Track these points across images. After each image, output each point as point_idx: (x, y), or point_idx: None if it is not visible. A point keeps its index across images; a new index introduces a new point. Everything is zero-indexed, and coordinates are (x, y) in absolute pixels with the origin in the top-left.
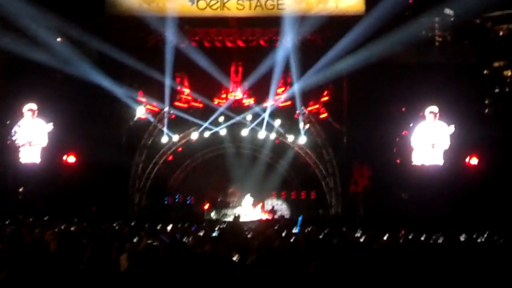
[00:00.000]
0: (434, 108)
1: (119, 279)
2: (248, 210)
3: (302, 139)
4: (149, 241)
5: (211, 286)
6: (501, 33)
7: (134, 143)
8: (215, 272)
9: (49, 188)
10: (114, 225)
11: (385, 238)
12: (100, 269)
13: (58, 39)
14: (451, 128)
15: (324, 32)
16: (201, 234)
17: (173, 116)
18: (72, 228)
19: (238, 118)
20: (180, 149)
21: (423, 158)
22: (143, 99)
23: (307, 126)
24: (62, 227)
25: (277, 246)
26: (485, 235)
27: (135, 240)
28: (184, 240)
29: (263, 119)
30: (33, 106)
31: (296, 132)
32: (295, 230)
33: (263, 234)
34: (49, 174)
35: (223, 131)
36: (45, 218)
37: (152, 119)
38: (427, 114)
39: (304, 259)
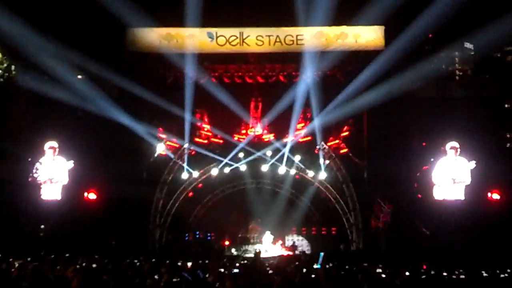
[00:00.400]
0: (455, 144)
1: None
2: (268, 246)
3: (323, 175)
4: (170, 278)
5: None
6: None
7: (155, 179)
8: None
9: (70, 225)
10: (135, 261)
11: (407, 273)
12: None
13: (79, 77)
14: (472, 164)
15: (344, 67)
16: (222, 270)
17: (193, 152)
18: (93, 265)
19: (258, 154)
20: (200, 185)
21: (445, 193)
22: (163, 136)
23: (328, 161)
24: (84, 264)
25: (298, 282)
26: (508, 271)
27: (156, 277)
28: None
29: (283, 154)
30: (54, 144)
31: (317, 168)
32: (316, 266)
33: (284, 270)
34: (70, 211)
35: (243, 167)
36: (67, 255)
37: (172, 155)
38: (448, 150)
39: None
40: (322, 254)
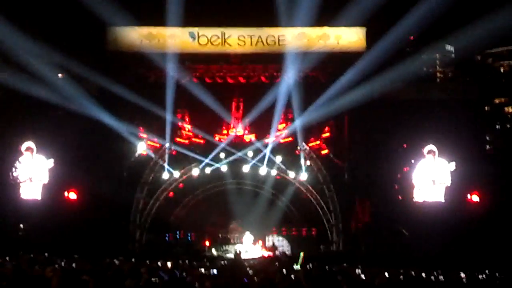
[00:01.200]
0: (432, 147)
1: None
2: (249, 247)
3: (303, 175)
4: (149, 278)
5: None
6: (502, 70)
7: (135, 179)
8: None
9: (50, 224)
10: (115, 261)
11: (386, 274)
12: None
13: (59, 75)
14: (452, 166)
15: (325, 68)
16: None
17: (174, 152)
18: (73, 265)
19: (239, 154)
20: (181, 185)
21: (425, 195)
22: (144, 135)
23: (308, 162)
24: (63, 263)
25: (278, 283)
26: (486, 272)
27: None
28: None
29: (264, 155)
30: (31, 144)
31: (297, 168)
32: (296, 267)
33: (264, 270)
34: (50, 210)
35: (224, 167)
36: (45, 254)
37: (153, 155)
38: (426, 154)
39: None
40: (302, 254)
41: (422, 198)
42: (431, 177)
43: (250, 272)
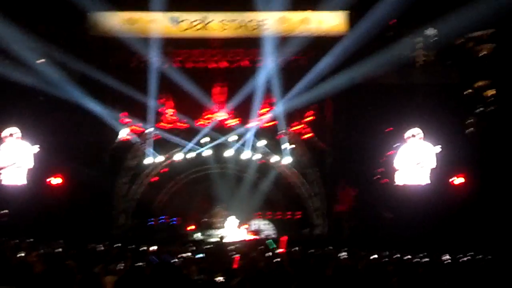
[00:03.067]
0: (415, 130)
1: None
2: (233, 231)
3: (287, 159)
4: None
5: None
6: (483, 53)
7: (119, 164)
8: None
9: (34, 210)
10: (99, 246)
11: (370, 257)
12: None
13: (40, 60)
14: (437, 148)
15: (307, 52)
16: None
17: (157, 137)
18: (56, 250)
19: (222, 139)
20: (164, 170)
21: (409, 177)
22: (127, 120)
23: (291, 146)
24: (46, 249)
25: (262, 267)
26: (469, 255)
27: (120, 262)
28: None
29: (248, 139)
30: (13, 130)
31: (281, 152)
32: (279, 250)
33: (248, 255)
34: (34, 196)
35: (207, 152)
36: (29, 240)
37: (136, 140)
38: (410, 137)
39: (289, 280)
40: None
41: (404, 181)
42: (415, 159)
43: (235, 256)
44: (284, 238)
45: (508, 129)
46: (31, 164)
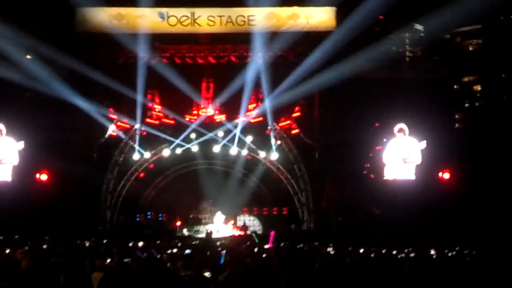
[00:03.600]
0: (403, 126)
1: None
2: (220, 227)
3: (274, 155)
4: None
5: None
6: (470, 48)
7: (106, 160)
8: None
9: (20, 206)
10: (86, 242)
11: (357, 252)
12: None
13: (28, 57)
14: (423, 144)
15: (296, 48)
16: (174, 251)
17: (144, 133)
18: (43, 246)
19: (210, 135)
20: (151, 166)
21: (395, 173)
22: (114, 116)
23: (279, 142)
24: (33, 246)
25: (250, 262)
26: (456, 250)
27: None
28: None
29: (235, 135)
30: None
31: (268, 148)
32: (267, 246)
33: (236, 250)
34: (21, 192)
35: (195, 148)
36: (16, 237)
37: (123, 136)
38: (396, 132)
39: (277, 275)
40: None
41: (392, 176)
42: (401, 155)
43: (222, 252)
44: (272, 233)
45: (496, 123)
46: (16, 160)
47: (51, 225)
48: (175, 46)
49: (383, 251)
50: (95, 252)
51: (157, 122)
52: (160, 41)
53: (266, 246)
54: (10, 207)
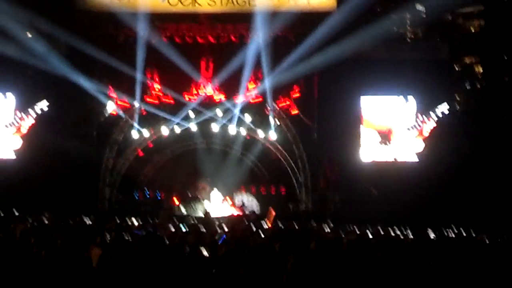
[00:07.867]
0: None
1: (91, 274)
2: (217, 205)
3: (273, 135)
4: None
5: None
6: (472, 30)
7: (105, 138)
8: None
9: (20, 183)
10: (85, 220)
11: (354, 232)
12: (72, 264)
13: (28, 34)
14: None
15: (296, 28)
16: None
17: (144, 112)
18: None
19: (208, 114)
20: (150, 144)
21: (398, 153)
22: (114, 95)
23: (278, 122)
24: (33, 222)
25: (248, 241)
26: (454, 230)
27: (106, 235)
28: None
29: (234, 114)
30: None
31: (267, 128)
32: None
33: (233, 229)
34: (21, 169)
35: (193, 127)
36: (16, 214)
37: (122, 115)
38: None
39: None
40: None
41: (394, 156)
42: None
43: (220, 230)
44: (273, 212)
45: (497, 105)
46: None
47: (49, 202)
48: (175, 25)
49: (381, 231)
50: (94, 229)
51: (156, 101)
52: (160, 20)
53: (265, 226)
54: (11, 183)
